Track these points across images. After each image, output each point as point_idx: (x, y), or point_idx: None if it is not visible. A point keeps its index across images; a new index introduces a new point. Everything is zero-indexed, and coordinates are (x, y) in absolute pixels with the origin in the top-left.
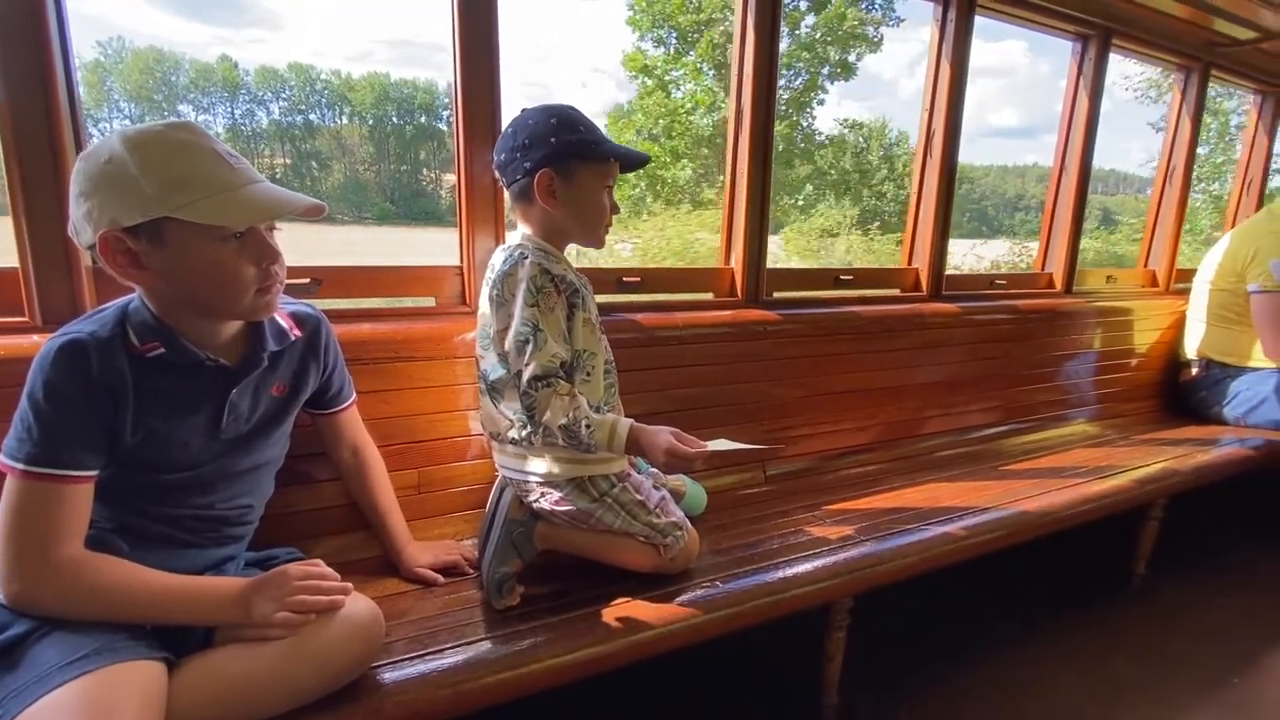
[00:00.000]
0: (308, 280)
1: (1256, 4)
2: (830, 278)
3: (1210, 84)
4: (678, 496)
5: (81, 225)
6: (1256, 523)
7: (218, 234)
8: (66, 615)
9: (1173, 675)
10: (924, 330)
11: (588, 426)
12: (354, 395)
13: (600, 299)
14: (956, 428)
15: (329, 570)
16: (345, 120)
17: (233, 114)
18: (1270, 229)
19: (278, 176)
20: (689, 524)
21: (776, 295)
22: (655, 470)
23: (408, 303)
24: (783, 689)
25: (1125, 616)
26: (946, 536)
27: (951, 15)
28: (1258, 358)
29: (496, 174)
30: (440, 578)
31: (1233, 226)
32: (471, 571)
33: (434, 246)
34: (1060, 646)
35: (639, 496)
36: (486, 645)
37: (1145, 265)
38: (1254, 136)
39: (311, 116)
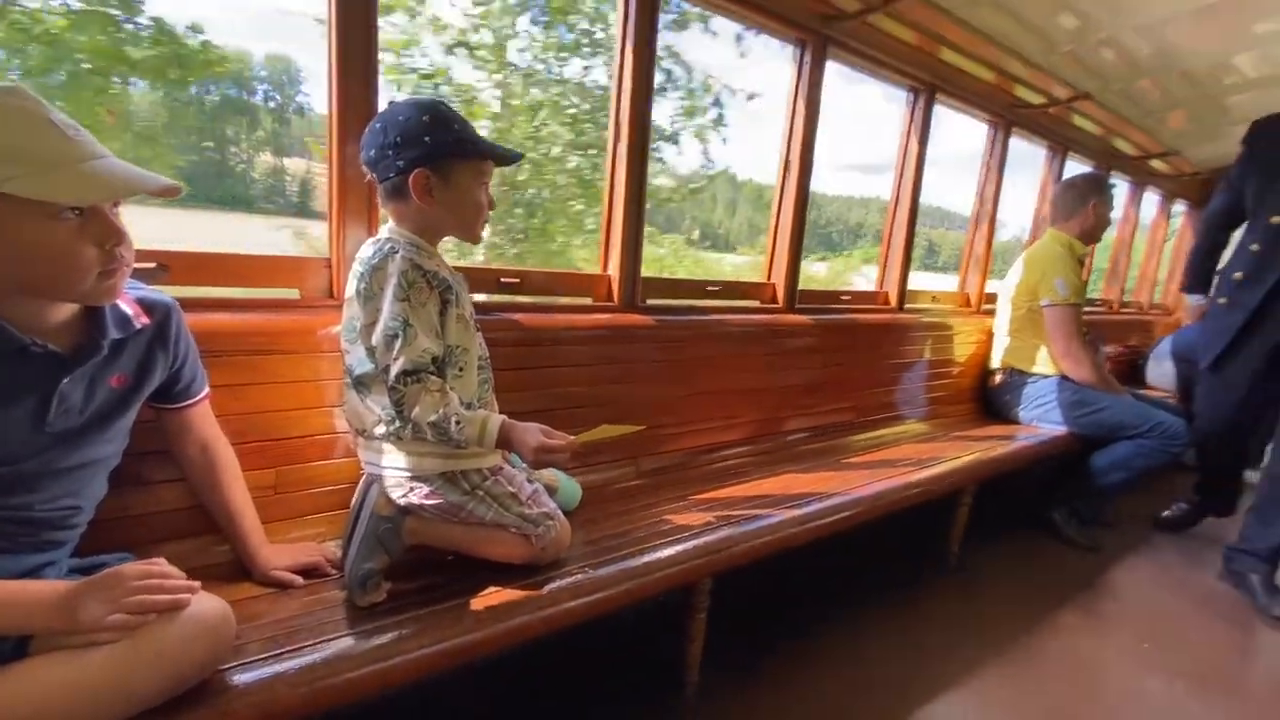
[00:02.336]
0: (153, 265)
1: (1047, 76)
2: (700, 288)
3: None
4: (551, 492)
5: None
6: (1045, 506)
7: (52, 211)
8: None
9: (974, 638)
10: (782, 338)
11: (458, 423)
12: (207, 389)
13: (479, 298)
14: (810, 426)
15: (171, 568)
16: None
17: None
18: (1051, 253)
19: None
20: (561, 514)
21: (650, 302)
22: (527, 465)
23: (270, 294)
24: (648, 671)
25: (940, 590)
26: (794, 519)
27: (807, 59)
28: (1040, 365)
29: (365, 170)
30: (299, 579)
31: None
32: (334, 573)
33: (241, 236)
34: (889, 619)
35: (511, 489)
36: (348, 641)
37: (962, 289)
38: (1045, 184)
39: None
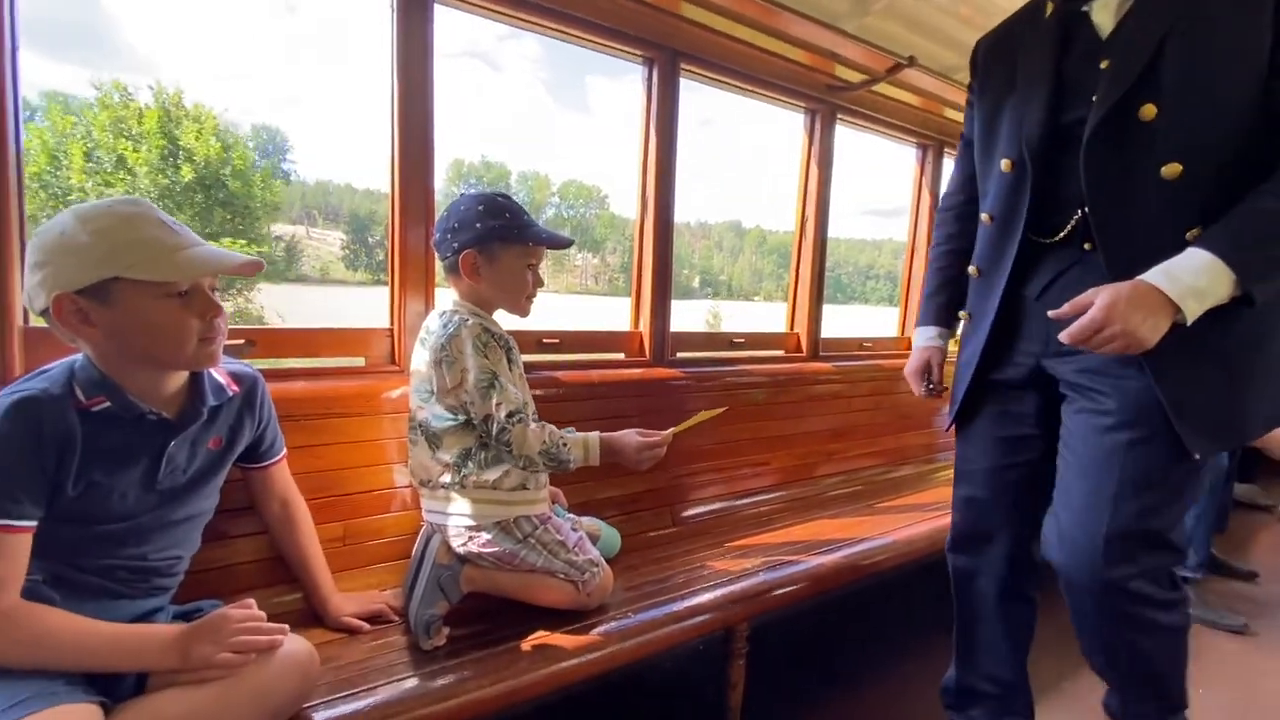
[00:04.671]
0: (242, 341)
1: None
2: (726, 340)
3: None
4: (593, 539)
5: (35, 292)
6: None
7: (163, 290)
8: (5, 664)
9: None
10: (807, 386)
11: (564, 444)
12: (284, 450)
13: (523, 358)
14: (839, 470)
15: (261, 613)
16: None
17: None
18: None
19: None
20: (604, 561)
21: (680, 355)
22: (572, 515)
23: (337, 363)
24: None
25: None
26: (829, 564)
27: (818, 126)
28: None
29: (435, 250)
30: (366, 625)
31: None
32: (396, 619)
33: None
34: (925, 667)
35: (559, 537)
36: (415, 682)
37: None
38: None
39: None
